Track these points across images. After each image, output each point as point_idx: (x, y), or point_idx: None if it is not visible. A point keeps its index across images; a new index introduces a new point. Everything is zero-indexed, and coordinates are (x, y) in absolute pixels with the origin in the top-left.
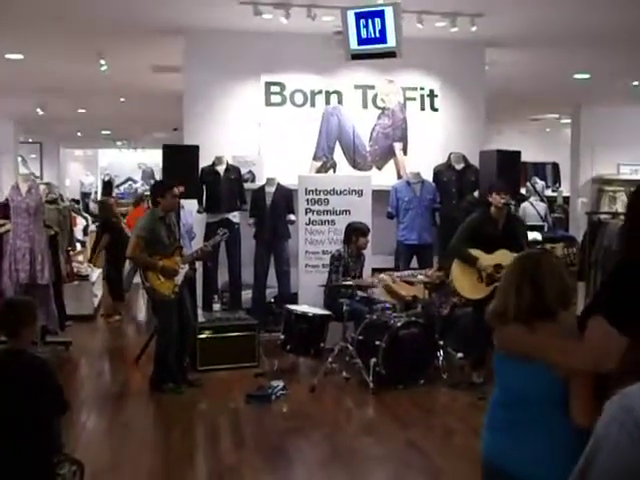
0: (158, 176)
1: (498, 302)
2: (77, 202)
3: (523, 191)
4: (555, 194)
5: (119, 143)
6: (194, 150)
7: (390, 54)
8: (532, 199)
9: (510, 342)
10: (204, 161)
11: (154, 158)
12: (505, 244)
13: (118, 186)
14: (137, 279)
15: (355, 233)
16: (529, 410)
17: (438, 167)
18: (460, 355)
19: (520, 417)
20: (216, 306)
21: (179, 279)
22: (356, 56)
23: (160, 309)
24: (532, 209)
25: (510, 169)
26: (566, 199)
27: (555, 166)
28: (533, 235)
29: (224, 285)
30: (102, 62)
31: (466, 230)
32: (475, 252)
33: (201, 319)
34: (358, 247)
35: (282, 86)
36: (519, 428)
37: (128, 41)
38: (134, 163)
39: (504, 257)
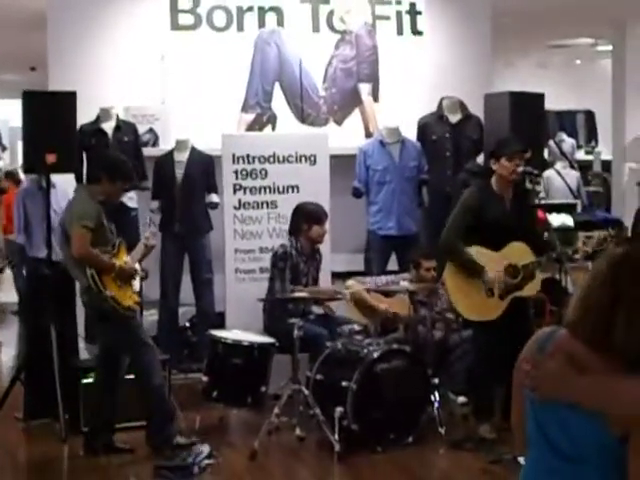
0: (8, 138)
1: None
2: None
3: (545, 154)
4: (590, 157)
5: None
6: (69, 99)
7: None
8: (558, 165)
9: (555, 384)
10: (83, 116)
11: (3, 112)
12: (516, 232)
13: None
14: None
15: (307, 220)
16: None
17: (425, 119)
18: (462, 399)
19: None
20: None
21: (136, 283)
22: None
23: (127, 329)
24: (558, 180)
25: (529, 120)
26: (606, 164)
27: (589, 116)
28: (561, 218)
29: None
30: None
31: (461, 216)
32: (477, 251)
33: (84, 355)
34: (312, 240)
35: (195, 0)
36: None
37: None
38: None
39: (519, 253)
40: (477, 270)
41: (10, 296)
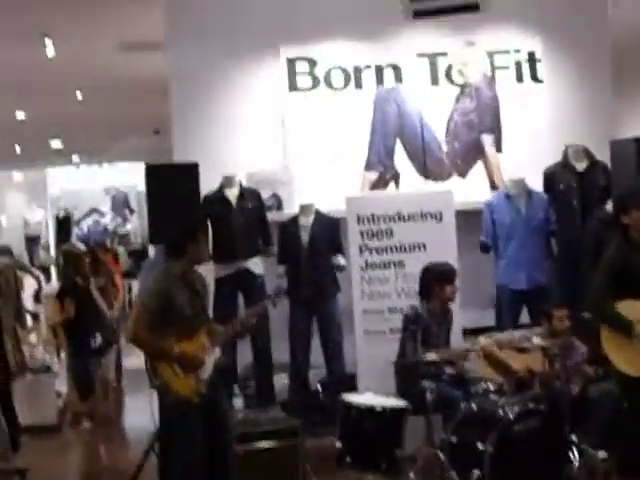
0: (134, 203)
1: None
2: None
3: None
4: None
5: (75, 158)
6: (191, 170)
7: (470, 7)
8: None
9: None
10: (206, 185)
11: (128, 177)
12: None
13: (78, 222)
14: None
15: (438, 280)
16: None
17: (550, 169)
18: (603, 454)
19: None
20: (237, 401)
21: (206, 372)
22: (420, 13)
23: (176, 418)
24: None
25: None
26: None
27: None
28: None
29: (246, 369)
30: (47, 41)
31: (605, 278)
32: (627, 305)
33: None
34: (443, 300)
35: (312, 62)
36: None
37: (84, 9)
38: (99, 186)
39: None
40: (626, 326)
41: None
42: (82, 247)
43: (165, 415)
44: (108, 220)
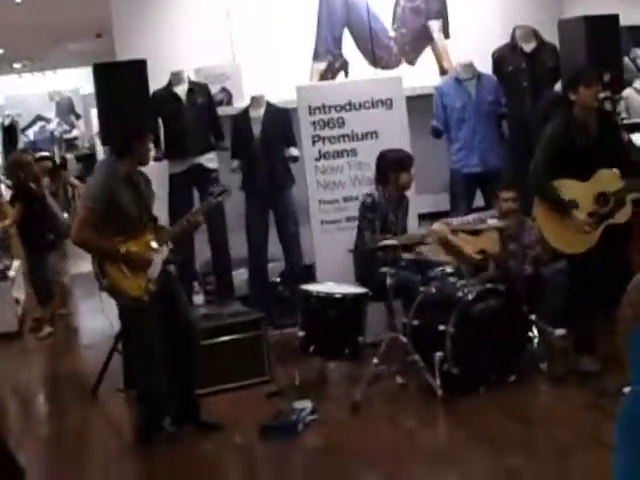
0: (79, 108)
1: None
2: None
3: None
4: None
5: (17, 65)
6: (139, 67)
7: None
8: (636, 83)
9: None
10: (154, 82)
11: (72, 82)
12: (604, 159)
13: (24, 130)
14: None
15: (394, 168)
16: None
17: (498, 51)
18: (561, 332)
19: None
20: (198, 298)
21: (154, 270)
22: None
23: (129, 318)
24: (638, 98)
25: (605, 43)
26: None
27: None
28: None
29: (205, 265)
30: None
31: (547, 150)
32: (566, 183)
33: None
34: (399, 187)
35: None
36: None
37: None
38: (43, 93)
39: (608, 180)
40: (565, 207)
41: None
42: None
43: (122, 315)
44: (54, 126)
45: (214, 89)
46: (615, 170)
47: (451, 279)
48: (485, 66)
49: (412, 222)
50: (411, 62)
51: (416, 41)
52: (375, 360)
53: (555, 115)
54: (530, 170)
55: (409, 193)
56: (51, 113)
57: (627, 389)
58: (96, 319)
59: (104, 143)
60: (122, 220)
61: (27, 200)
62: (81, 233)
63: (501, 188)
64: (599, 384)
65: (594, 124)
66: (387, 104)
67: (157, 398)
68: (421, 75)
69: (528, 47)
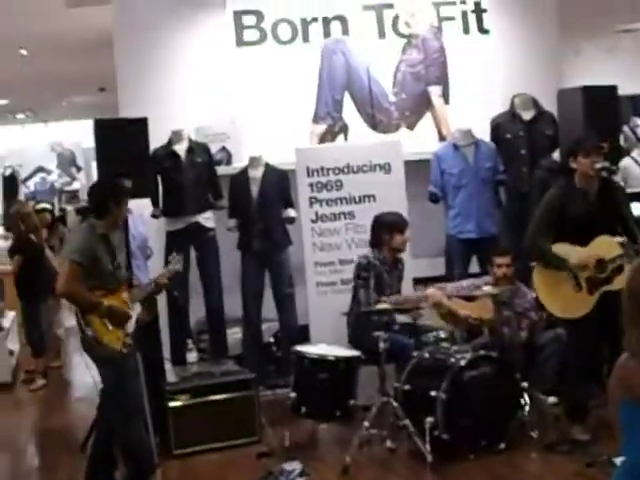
0: (81, 161)
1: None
2: None
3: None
4: None
5: (20, 116)
6: (140, 125)
7: None
8: (635, 153)
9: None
10: (155, 139)
11: (74, 134)
12: (604, 226)
13: (25, 181)
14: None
15: (389, 230)
16: None
17: (497, 118)
18: (552, 400)
19: None
20: (191, 356)
21: (131, 326)
22: None
23: (110, 370)
24: (635, 167)
25: (603, 113)
26: None
27: None
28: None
29: (200, 323)
30: None
31: (544, 217)
32: (562, 248)
33: (171, 378)
34: (393, 249)
35: (259, 15)
36: None
37: None
38: (45, 144)
39: (607, 246)
40: (561, 262)
41: None
42: (46, 205)
43: (102, 367)
44: (55, 177)
45: (214, 148)
46: (617, 238)
47: (444, 344)
48: (484, 134)
49: (407, 286)
50: (410, 127)
51: (416, 106)
52: (366, 423)
53: (555, 182)
54: (526, 236)
55: (405, 256)
56: (52, 164)
57: (618, 459)
58: (88, 372)
59: None
60: (101, 275)
61: (26, 252)
62: (68, 286)
63: (495, 254)
64: (589, 453)
65: (595, 191)
66: (385, 168)
67: (146, 447)
68: (420, 140)
69: (527, 115)
